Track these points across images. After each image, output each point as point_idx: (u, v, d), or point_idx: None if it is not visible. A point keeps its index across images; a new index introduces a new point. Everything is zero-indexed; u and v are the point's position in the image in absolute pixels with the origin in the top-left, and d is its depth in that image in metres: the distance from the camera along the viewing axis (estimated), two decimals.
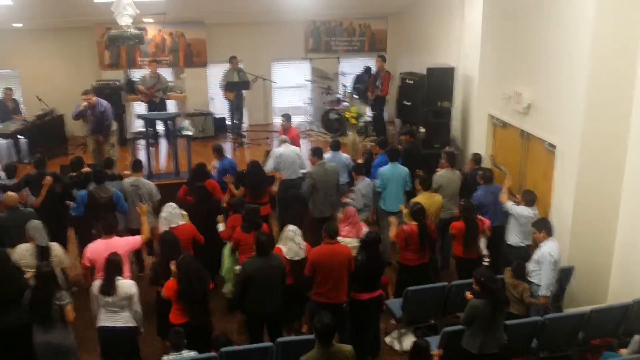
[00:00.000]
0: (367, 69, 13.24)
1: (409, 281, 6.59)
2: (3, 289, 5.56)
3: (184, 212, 6.92)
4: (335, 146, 9.00)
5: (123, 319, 5.61)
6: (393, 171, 8.15)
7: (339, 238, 6.33)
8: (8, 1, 9.59)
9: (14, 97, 12.11)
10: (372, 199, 8.24)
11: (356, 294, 6.16)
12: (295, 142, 9.44)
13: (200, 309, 5.65)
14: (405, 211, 7.19)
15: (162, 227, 6.62)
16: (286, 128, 9.70)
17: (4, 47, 12.65)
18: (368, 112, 12.46)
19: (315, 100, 13.92)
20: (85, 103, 9.41)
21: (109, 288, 5.51)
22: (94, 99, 9.55)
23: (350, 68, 14.05)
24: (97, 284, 5.61)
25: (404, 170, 8.24)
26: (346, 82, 13.71)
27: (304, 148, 10.07)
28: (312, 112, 13.91)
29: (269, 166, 8.71)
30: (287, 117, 9.79)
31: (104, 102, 9.72)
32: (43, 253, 6.14)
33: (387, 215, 7.86)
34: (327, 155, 8.83)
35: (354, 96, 12.74)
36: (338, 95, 13.39)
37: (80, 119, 9.85)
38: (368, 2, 12.74)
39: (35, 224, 6.25)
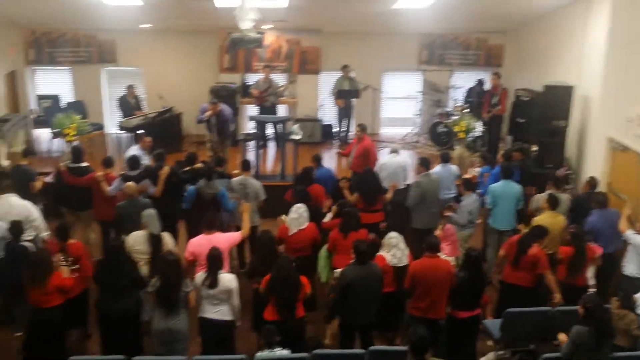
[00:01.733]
0: (480, 82, 12.97)
1: (513, 302, 6.32)
2: (118, 277, 5.83)
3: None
4: (446, 158, 8.88)
5: (222, 312, 5.77)
6: (505, 188, 7.92)
7: (442, 255, 6.22)
8: (139, 2, 10.18)
9: (136, 94, 12.83)
10: (477, 216, 8.04)
11: (455, 311, 6.02)
12: (369, 152, 9.40)
13: (289, 311, 5.71)
14: (524, 230, 6.96)
15: (293, 228, 6.84)
16: (360, 138, 9.65)
17: (131, 47, 13.49)
18: (478, 127, 12.17)
19: (424, 112, 13.79)
20: (209, 112, 10.12)
21: (212, 281, 5.70)
22: (219, 107, 10.15)
23: (463, 82, 13.83)
24: (200, 276, 5.82)
25: (517, 188, 7.98)
26: (457, 95, 13.50)
27: (409, 159, 9.95)
28: (420, 124, 13.79)
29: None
30: (362, 127, 9.73)
31: (228, 110, 10.30)
32: (155, 241, 6.45)
33: (495, 233, 7.64)
34: (437, 167, 8.73)
35: (465, 110, 12.50)
36: (448, 109, 13.19)
37: (203, 123, 10.42)
38: (488, 17, 12.49)
39: (150, 212, 6.57)
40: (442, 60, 14.13)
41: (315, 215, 7.50)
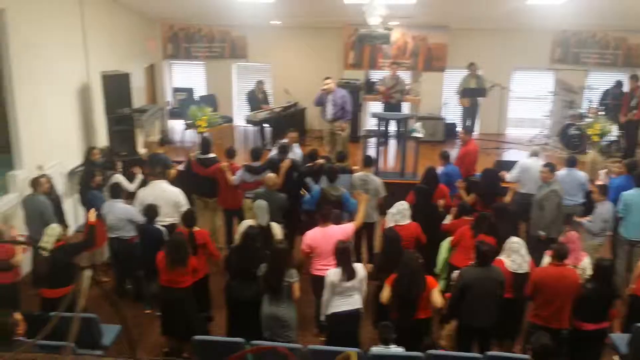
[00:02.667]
0: (619, 84, 12.16)
1: None
2: (249, 264, 6.02)
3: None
4: (572, 163, 8.44)
5: (356, 301, 5.83)
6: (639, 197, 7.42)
7: None
8: None
9: (264, 89, 13.24)
10: (612, 225, 7.57)
11: (580, 323, 5.71)
12: (472, 156, 9.11)
13: (410, 309, 5.66)
14: None
15: (389, 223, 6.82)
16: (465, 141, 9.33)
17: (261, 43, 13.95)
18: (614, 131, 11.46)
19: (555, 113, 13.16)
20: (326, 86, 10.19)
21: (350, 273, 5.76)
22: (333, 85, 10.25)
23: (599, 82, 13.05)
24: (334, 272, 5.83)
25: None
26: (592, 96, 12.76)
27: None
28: (550, 126, 13.18)
29: (511, 176, 8.55)
30: (467, 129, 9.42)
31: (344, 91, 10.40)
32: (263, 232, 6.60)
33: (626, 243, 7.17)
34: (562, 171, 8.32)
35: (600, 112, 11.79)
36: (581, 110, 12.51)
37: (321, 105, 10.52)
38: (628, 14, 11.67)
39: (260, 204, 6.76)
40: (577, 59, 13.40)
41: (432, 216, 7.43)
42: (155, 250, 6.27)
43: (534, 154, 8.78)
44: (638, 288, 6.28)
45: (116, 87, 9.82)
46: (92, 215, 6.71)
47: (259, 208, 6.74)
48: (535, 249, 6.94)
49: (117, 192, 7.36)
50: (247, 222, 6.78)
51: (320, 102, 10.45)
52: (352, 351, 4.21)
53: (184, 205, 7.46)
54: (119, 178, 8.01)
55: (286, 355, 4.13)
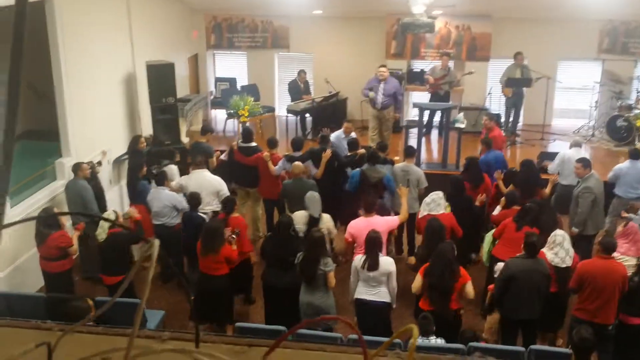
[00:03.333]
0: None
1: None
2: (284, 252, 6.12)
3: (446, 203, 7.01)
4: (636, 155, 8.20)
5: (380, 294, 5.85)
6: None
7: (615, 254, 5.81)
8: None
9: (306, 79, 13.25)
10: None
11: (627, 317, 5.61)
12: (498, 144, 8.97)
13: (444, 300, 5.63)
14: None
15: (423, 212, 6.79)
16: (489, 128, 9.17)
17: (303, 33, 13.93)
18: None
19: (602, 104, 12.83)
20: (381, 75, 10.37)
21: (373, 263, 5.77)
22: (387, 74, 10.40)
23: None
24: (359, 258, 5.91)
25: None
26: None
27: (584, 154, 9.31)
28: (597, 117, 12.86)
29: (552, 167, 8.46)
30: (491, 117, 9.30)
31: (396, 81, 10.64)
32: (313, 222, 6.67)
33: None
34: (625, 163, 8.15)
35: None
36: (630, 101, 12.18)
37: (368, 94, 10.63)
38: None
39: (312, 195, 6.81)
40: (625, 49, 13.00)
41: (466, 208, 7.36)
42: (197, 238, 6.38)
43: (576, 145, 8.63)
44: None
45: (161, 76, 9.96)
46: (135, 212, 6.88)
47: (310, 200, 6.77)
48: (578, 244, 6.82)
49: (163, 179, 7.49)
50: (301, 213, 6.81)
51: (370, 89, 10.50)
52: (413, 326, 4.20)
53: (225, 193, 7.55)
54: (172, 169, 8.12)
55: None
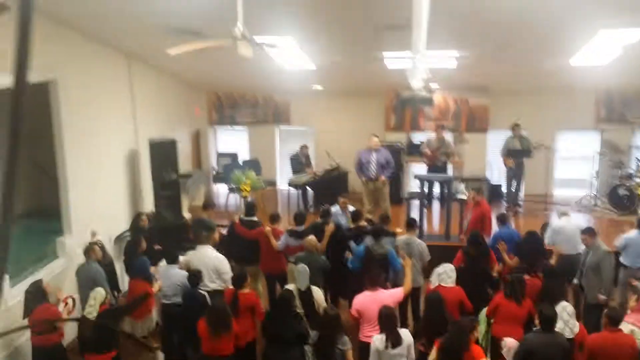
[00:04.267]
0: None
1: None
2: (284, 330, 5.94)
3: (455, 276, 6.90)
4: None
5: None
6: None
7: (630, 326, 5.66)
8: (312, 66, 10.73)
9: (307, 153, 13.37)
10: None
11: None
12: (486, 218, 8.93)
13: None
14: None
15: (434, 282, 6.69)
16: (477, 202, 9.11)
17: (304, 107, 14.20)
18: None
19: (603, 173, 12.89)
20: (374, 144, 10.59)
21: (396, 340, 5.58)
22: (379, 143, 10.63)
23: None
24: (379, 339, 5.70)
25: None
26: None
27: (587, 224, 9.24)
28: (598, 186, 12.89)
29: (547, 239, 8.34)
30: (478, 190, 9.21)
31: (387, 151, 10.84)
32: (304, 296, 6.54)
33: None
34: (632, 233, 8.07)
35: None
36: (630, 170, 12.24)
37: (361, 163, 10.71)
38: None
39: (300, 268, 6.72)
40: (622, 118, 13.19)
41: (485, 278, 7.23)
42: (198, 316, 6.24)
43: (563, 214, 8.60)
44: None
45: (163, 153, 10.06)
46: (157, 286, 6.82)
47: (300, 272, 6.69)
48: (592, 314, 6.67)
49: (175, 258, 7.40)
50: (289, 287, 6.73)
51: (362, 160, 10.62)
52: None
53: (227, 272, 7.42)
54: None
55: None
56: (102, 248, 7.83)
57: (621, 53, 8.85)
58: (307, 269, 6.73)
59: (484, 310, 6.72)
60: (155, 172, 10.05)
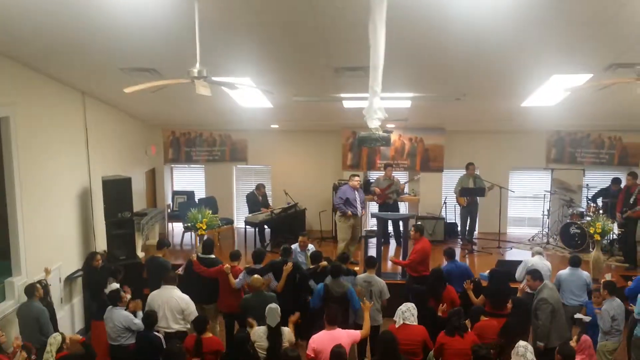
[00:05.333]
0: (616, 180, 12.16)
1: None
2: None
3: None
4: (576, 262, 8.34)
5: None
6: None
7: None
8: (269, 105, 10.78)
9: (264, 192, 13.31)
10: (622, 324, 7.37)
11: None
12: (427, 255, 9.05)
13: None
14: None
15: (398, 321, 6.65)
16: (416, 239, 9.26)
17: (261, 146, 14.19)
18: (614, 229, 11.47)
19: (554, 212, 13.20)
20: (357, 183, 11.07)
21: None
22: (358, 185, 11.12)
23: (596, 181, 13.17)
24: None
25: None
26: (590, 195, 12.84)
27: (547, 261, 9.35)
28: (550, 225, 13.19)
29: (518, 275, 8.52)
30: (417, 228, 9.32)
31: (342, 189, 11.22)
32: (273, 335, 6.44)
33: None
34: (565, 271, 8.28)
35: (599, 211, 11.83)
36: (581, 209, 12.58)
37: (343, 199, 11.04)
38: (622, 115, 11.85)
39: (270, 306, 6.63)
40: (572, 158, 13.59)
41: (430, 320, 7.25)
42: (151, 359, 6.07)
43: (538, 253, 8.81)
44: None
45: (117, 191, 9.85)
46: (77, 336, 6.60)
47: (269, 311, 6.58)
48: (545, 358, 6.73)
49: (116, 298, 7.19)
50: (260, 329, 6.60)
51: (350, 198, 10.97)
52: None
53: (192, 313, 7.27)
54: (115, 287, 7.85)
55: None
56: (45, 287, 7.59)
57: (569, 94, 9.17)
58: (278, 307, 6.64)
59: (431, 352, 6.71)
60: (108, 210, 9.82)
